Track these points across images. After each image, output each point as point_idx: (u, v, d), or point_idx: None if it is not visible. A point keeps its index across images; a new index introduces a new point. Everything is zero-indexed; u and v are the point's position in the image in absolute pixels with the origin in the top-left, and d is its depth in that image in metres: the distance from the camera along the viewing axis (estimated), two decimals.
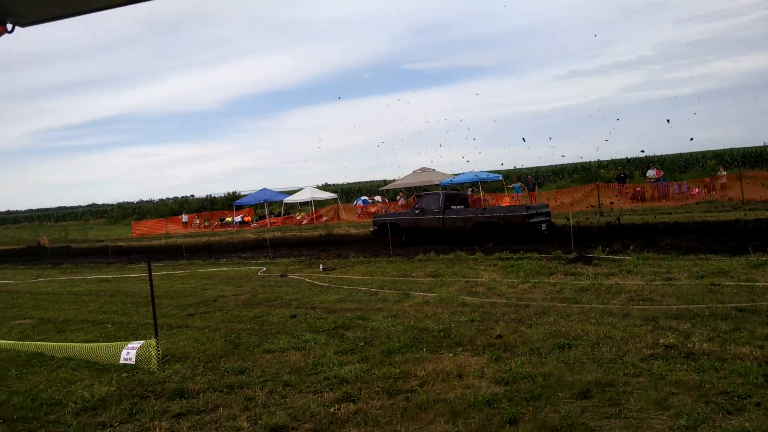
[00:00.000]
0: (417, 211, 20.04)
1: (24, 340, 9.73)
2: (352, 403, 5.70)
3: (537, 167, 58.39)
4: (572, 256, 13.58)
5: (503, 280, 11.63)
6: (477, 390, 5.76)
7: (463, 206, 19.91)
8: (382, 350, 7.34)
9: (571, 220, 17.03)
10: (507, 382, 5.91)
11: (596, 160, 53.05)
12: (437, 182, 36.21)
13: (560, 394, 5.49)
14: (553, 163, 59.96)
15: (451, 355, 7.01)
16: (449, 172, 38.03)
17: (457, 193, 23.36)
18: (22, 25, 1.94)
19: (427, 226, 19.70)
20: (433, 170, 37.38)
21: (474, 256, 14.91)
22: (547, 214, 18.99)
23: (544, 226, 18.11)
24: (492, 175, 38.04)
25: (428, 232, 19.64)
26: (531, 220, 17.56)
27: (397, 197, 37.99)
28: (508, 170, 44.77)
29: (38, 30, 1.99)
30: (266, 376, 6.75)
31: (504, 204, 31.12)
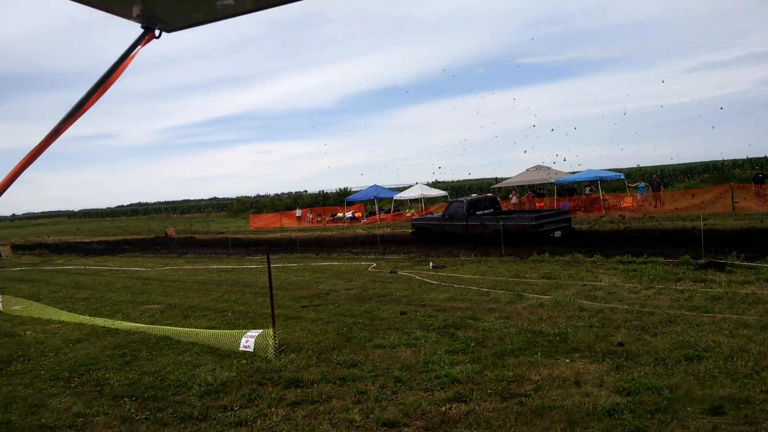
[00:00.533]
0: (446, 217, 21.91)
1: (153, 324, 10.39)
2: (463, 404, 5.60)
3: (663, 166, 55.00)
4: (703, 261, 12.65)
5: (624, 284, 11.03)
6: (596, 399, 5.48)
7: (492, 209, 21.86)
8: (495, 352, 7.17)
9: (701, 222, 16.01)
10: (629, 393, 5.58)
11: (730, 158, 49.32)
12: (553, 180, 34.98)
13: (688, 408, 5.11)
14: (681, 162, 56.28)
15: (567, 360, 6.72)
16: (566, 170, 36.62)
17: (480, 197, 24.42)
18: (169, 31, 2.00)
19: (453, 231, 21.44)
20: (549, 168, 36.10)
21: (592, 259, 14.28)
22: (567, 220, 20.18)
23: (558, 233, 19.18)
24: (613, 174, 36.17)
25: (454, 236, 21.30)
26: (540, 228, 18.67)
27: (510, 195, 37.09)
28: (630, 168, 42.64)
29: (174, 34, 2.03)
30: (377, 371, 6.78)
31: (625, 205, 29.65)
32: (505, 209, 27.97)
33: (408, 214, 42.07)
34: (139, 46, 1.91)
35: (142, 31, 1.93)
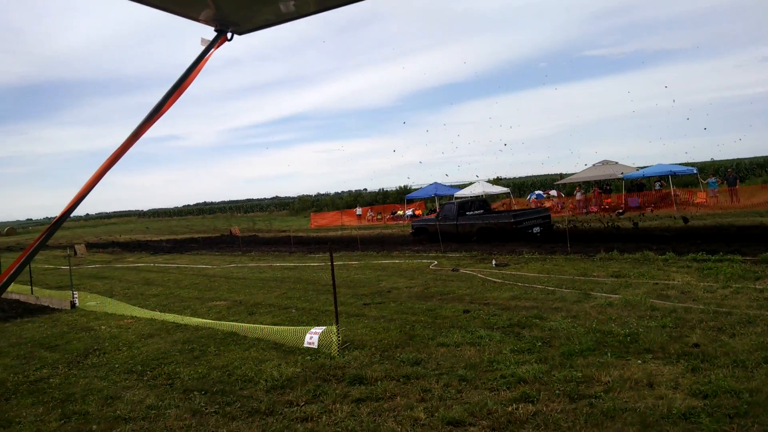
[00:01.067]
0: (440, 218, 24.31)
1: (220, 320, 10.64)
2: (530, 404, 5.49)
3: (739, 159, 52.34)
4: None
5: (699, 283, 10.59)
6: (671, 402, 5.27)
7: (482, 210, 24.51)
8: (562, 352, 7.00)
9: None
10: (706, 396, 5.34)
11: None
12: (620, 175, 33.86)
13: None
14: (759, 155, 53.36)
15: (639, 362, 6.49)
16: (633, 165, 35.41)
17: (472, 199, 27.59)
18: (240, 34, 2.03)
19: (447, 230, 23.46)
20: (616, 163, 34.99)
21: (664, 257, 13.78)
22: (546, 218, 22.87)
23: (537, 230, 21.59)
24: (685, 168, 34.71)
25: (447, 235, 23.19)
26: (519, 226, 21.12)
27: (575, 192, 36.20)
28: (704, 163, 40.91)
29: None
30: (441, 370, 6.74)
31: (698, 201, 28.59)
32: (571, 206, 27.49)
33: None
34: (212, 49, 1.94)
35: (215, 34, 1.96)
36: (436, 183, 45.48)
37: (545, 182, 57.02)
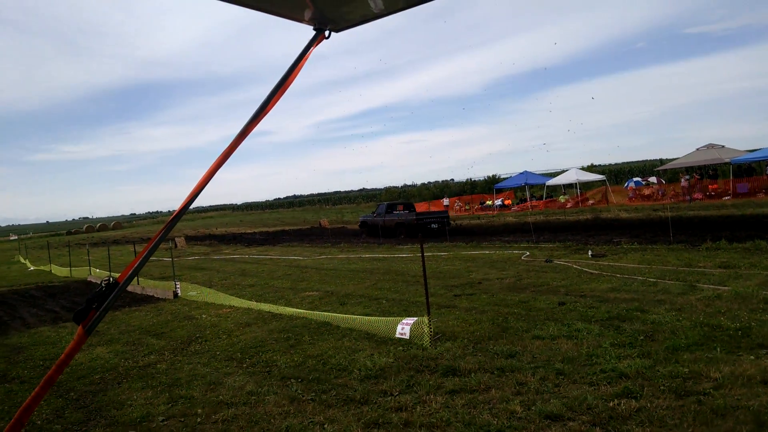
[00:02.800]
0: (375, 215, 31.72)
1: (313, 310, 10.88)
2: (633, 400, 5.25)
3: None
4: None
5: None
6: None
7: (407, 210, 31.34)
8: (666, 346, 6.67)
9: None
10: None
11: None
12: (727, 160, 31.85)
13: None
14: None
15: (752, 357, 6.08)
16: (742, 148, 33.18)
17: (398, 202, 33.96)
18: (338, 31, 2.06)
19: (378, 224, 30.48)
20: (722, 146, 32.90)
21: None
22: (444, 217, 29.34)
23: (434, 226, 28.57)
24: None
25: (380, 229, 29.98)
26: (420, 222, 28.44)
27: (680, 177, 34.28)
28: None
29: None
30: (537, 363, 6.58)
31: None
32: (673, 193, 26.32)
33: (562, 201, 40.49)
34: (312, 47, 1.97)
35: (314, 33, 1.98)
36: (526, 171, 44.45)
37: (644, 168, 54.58)
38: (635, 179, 44.52)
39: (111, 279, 1.76)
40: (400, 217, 29.85)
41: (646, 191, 37.14)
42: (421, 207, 52.00)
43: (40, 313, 14.41)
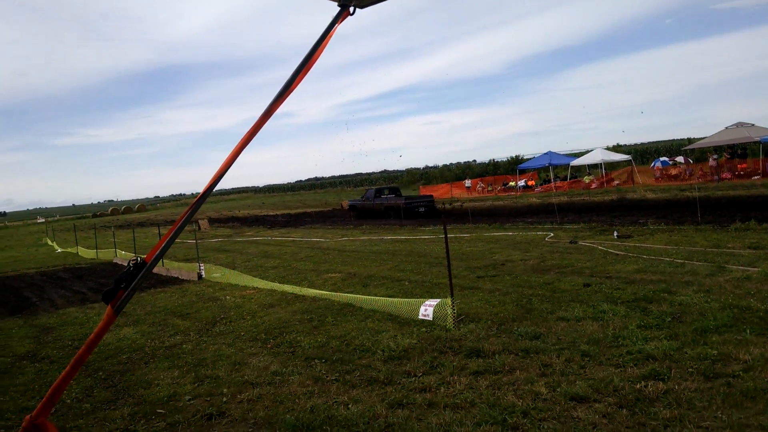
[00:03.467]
0: (364, 199, 33.92)
1: (336, 292, 10.91)
2: (661, 382, 5.18)
3: None
4: None
5: None
6: None
7: (393, 195, 32.94)
8: (695, 328, 6.57)
9: None
10: None
11: None
12: (757, 138, 31.07)
13: None
14: None
15: None
16: None
17: (386, 187, 36.76)
18: (362, 7, 2.02)
19: (368, 208, 33.01)
20: (752, 125, 32.08)
21: None
22: (430, 202, 31.94)
23: (422, 209, 30.53)
24: None
25: (369, 212, 32.72)
26: (409, 206, 30.13)
27: (707, 157, 33.59)
28: None
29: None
30: (562, 344, 6.52)
31: None
32: (701, 173, 25.90)
33: (587, 181, 40.02)
34: (336, 24, 1.92)
35: (338, 9, 1.94)
36: (550, 152, 43.90)
37: (671, 148, 53.70)
38: (662, 159, 43.74)
39: (138, 259, 1.75)
40: (389, 201, 31.85)
41: (673, 171, 36.54)
42: (443, 189, 51.87)
43: (68, 294, 14.67)
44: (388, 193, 33.65)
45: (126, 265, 1.72)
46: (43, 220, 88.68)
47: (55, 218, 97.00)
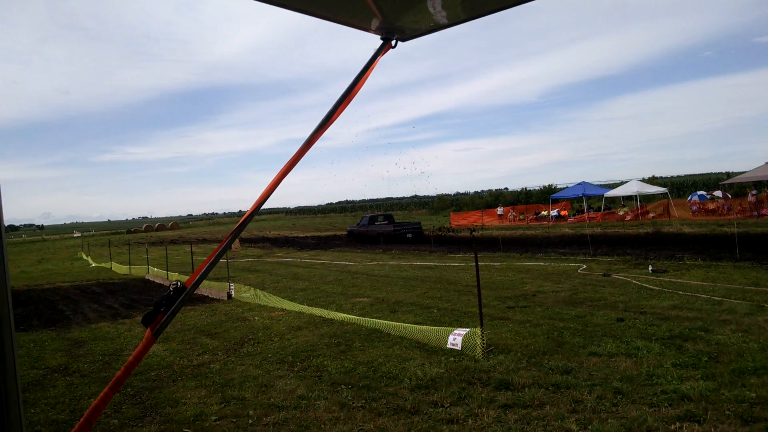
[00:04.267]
0: (360, 225, 36.97)
1: (364, 317, 10.87)
2: (696, 424, 5.04)
3: None
4: None
5: None
6: None
7: (387, 221, 36.30)
8: (732, 369, 6.38)
9: None
10: None
11: None
12: None
13: None
14: None
15: None
16: None
17: (379, 214, 39.03)
18: (404, 40, 2.06)
19: (363, 233, 36.04)
20: None
21: None
22: (418, 228, 35.08)
23: (409, 235, 33.43)
24: None
25: (364, 237, 35.68)
26: (397, 232, 33.59)
27: (748, 192, 32.79)
28: None
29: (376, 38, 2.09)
30: (594, 380, 6.38)
31: None
32: (740, 208, 25.31)
33: (621, 213, 39.44)
34: (379, 56, 1.96)
35: (381, 42, 1.98)
36: (584, 182, 43.36)
37: (708, 182, 52.70)
38: (699, 193, 42.93)
39: (179, 284, 1.78)
40: (380, 228, 35.00)
41: (711, 205, 35.78)
42: (474, 216, 51.59)
43: (100, 308, 14.90)
44: (383, 219, 36.79)
45: (166, 287, 1.74)
46: (79, 235, 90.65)
47: (91, 233, 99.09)
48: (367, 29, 1.97)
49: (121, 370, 1.65)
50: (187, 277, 1.79)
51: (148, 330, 1.66)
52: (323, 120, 1.88)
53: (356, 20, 1.92)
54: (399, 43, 2.04)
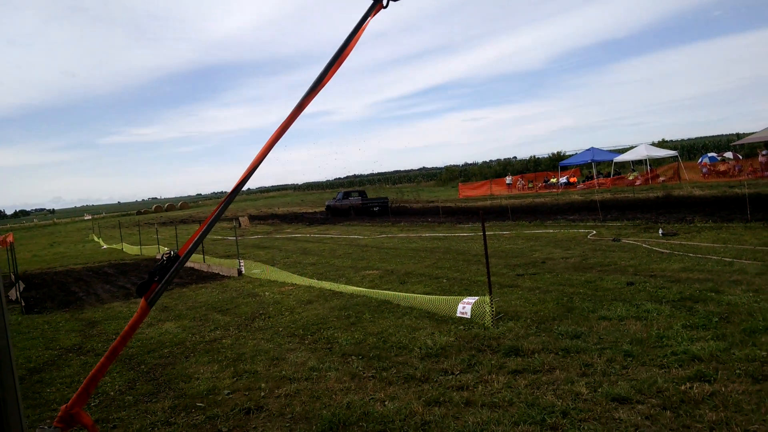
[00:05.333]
0: (336, 200, 40.15)
1: (374, 289, 10.90)
2: (707, 384, 5.02)
3: None
4: None
5: None
6: None
7: (359, 196, 39.20)
8: (743, 329, 6.34)
9: None
10: None
11: None
12: None
13: None
14: None
15: None
16: None
17: (353, 190, 43.55)
18: (395, 0, 2.01)
19: (338, 208, 39.24)
20: None
21: None
22: (384, 202, 37.71)
23: (376, 209, 36.37)
24: None
25: (339, 211, 38.86)
26: (365, 206, 36.88)
27: (758, 153, 32.45)
28: None
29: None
30: (604, 344, 6.37)
31: None
32: (751, 169, 24.87)
33: (631, 178, 39.12)
34: (369, 17, 1.91)
35: (371, 3, 1.92)
36: (593, 148, 43.02)
37: (719, 144, 52.11)
38: (710, 155, 42.46)
39: (172, 253, 1.76)
40: (351, 202, 38.31)
41: (722, 167, 35.45)
42: (482, 186, 51.44)
43: (112, 289, 15.04)
44: (357, 195, 40.39)
45: (160, 259, 1.73)
46: (90, 218, 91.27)
47: (101, 215, 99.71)
48: None
49: (117, 340, 1.65)
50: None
51: (143, 300, 1.65)
52: (314, 84, 1.84)
53: None
54: (391, 3, 1.98)
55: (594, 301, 8.34)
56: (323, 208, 46.14)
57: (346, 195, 40.11)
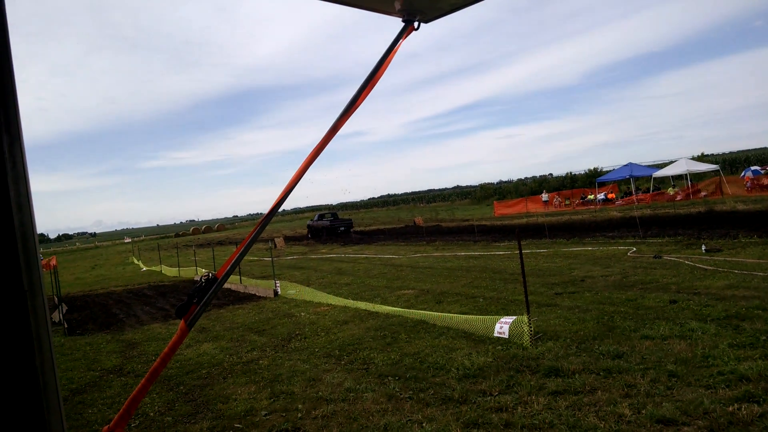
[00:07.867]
0: (314, 221, 45.65)
1: (409, 309, 10.85)
2: (756, 405, 4.85)
3: None
4: None
5: None
6: None
7: (332, 217, 44.92)
8: None
9: None
10: None
11: None
12: None
13: None
14: None
15: None
16: None
17: (327, 213, 47.13)
18: (426, 21, 2.02)
19: (315, 227, 44.57)
20: None
21: None
22: (349, 223, 44.37)
23: (342, 229, 42.73)
24: None
25: (315, 231, 44.20)
26: (331, 227, 42.87)
27: None
28: None
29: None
30: (647, 364, 6.21)
31: None
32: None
33: (671, 193, 38.31)
34: (401, 40, 1.92)
35: (402, 25, 1.94)
36: (630, 163, 42.28)
37: (763, 156, 50.76)
38: (753, 168, 41.31)
39: (210, 275, 1.78)
40: (323, 223, 43.72)
41: (766, 180, 34.49)
42: (518, 204, 50.96)
43: (152, 311, 15.28)
44: (329, 216, 45.47)
45: (199, 281, 1.75)
46: (130, 240, 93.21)
47: (141, 238, 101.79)
48: (389, 12, 1.93)
49: (157, 362, 1.66)
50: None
51: (182, 321, 1.67)
52: (347, 106, 1.85)
53: (377, 3, 1.88)
54: (422, 24, 1.99)
55: (636, 319, 8.15)
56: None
57: (321, 216, 45.60)
